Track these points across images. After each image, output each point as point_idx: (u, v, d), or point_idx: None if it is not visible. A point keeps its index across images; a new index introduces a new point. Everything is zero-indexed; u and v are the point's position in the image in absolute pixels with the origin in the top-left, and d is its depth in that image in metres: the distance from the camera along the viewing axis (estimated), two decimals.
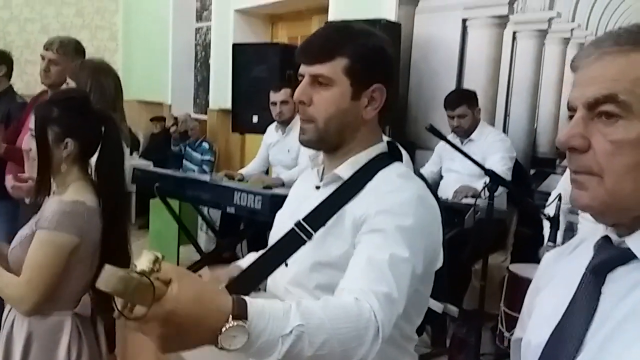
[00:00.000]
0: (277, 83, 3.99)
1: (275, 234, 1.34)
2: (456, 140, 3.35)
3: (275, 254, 1.24)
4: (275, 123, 3.94)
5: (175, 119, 6.68)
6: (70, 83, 2.32)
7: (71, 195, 1.65)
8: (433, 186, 1.53)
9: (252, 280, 1.25)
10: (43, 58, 2.79)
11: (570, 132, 0.77)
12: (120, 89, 2.49)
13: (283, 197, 3.26)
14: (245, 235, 3.83)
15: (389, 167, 1.24)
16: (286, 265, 1.24)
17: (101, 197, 1.70)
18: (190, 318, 0.78)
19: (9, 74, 3.28)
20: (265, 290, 1.32)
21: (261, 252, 1.49)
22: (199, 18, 7.30)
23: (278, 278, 1.26)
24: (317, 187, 1.30)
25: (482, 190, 2.41)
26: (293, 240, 1.20)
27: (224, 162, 6.48)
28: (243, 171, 3.93)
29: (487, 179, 2.41)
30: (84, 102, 1.75)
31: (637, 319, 0.72)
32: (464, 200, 2.95)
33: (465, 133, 3.41)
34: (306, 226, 1.19)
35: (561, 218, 2.63)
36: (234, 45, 4.97)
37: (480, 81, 3.82)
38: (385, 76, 1.24)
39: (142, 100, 7.25)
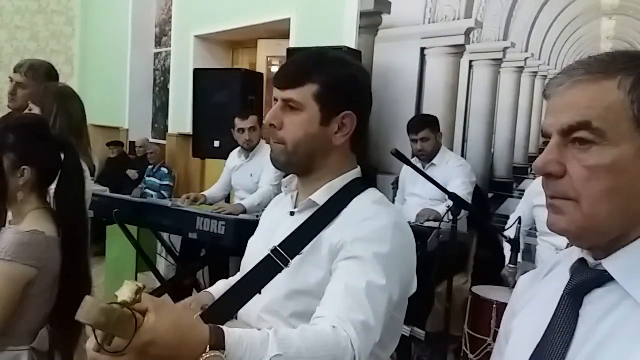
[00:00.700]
0: (244, 110, 4.00)
1: (249, 261, 1.33)
2: (419, 165, 3.41)
3: (251, 281, 1.22)
4: (238, 148, 3.94)
5: (133, 143, 6.58)
6: (34, 108, 2.25)
7: (29, 225, 1.59)
8: None
9: (228, 309, 1.23)
10: (11, 80, 2.71)
11: (546, 158, 0.79)
12: (85, 114, 2.44)
13: (247, 222, 3.29)
14: (207, 261, 3.77)
15: (364, 193, 1.25)
16: (259, 293, 1.22)
17: (61, 227, 1.63)
18: (169, 349, 0.77)
19: None
20: (236, 318, 1.31)
21: (232, 279, 1.48)
22: (158, 43, 7.27)
23: (251, 306, 1.24)
24: (292, 213, 1.30)
25: (445, 214, 2.46)
26: (269, 268, 1.19)
27: (184, 188, 6.39)
28: (206, 194, 3.89)
29: (451, 203, 2.46)
30: (41, 128, 1.70)
31: (616, 340, 0.73)
32: (427, 224, 3.00)
33: (428, 157, 3.48)
34: (282, 253, 1.18)
35: (520, 240, 2.71)
36: (195, 70, 4.96)
37: (438, 108, 3.92)
38: (356, 104, 1.25)
39: (98, 124, 7.12)
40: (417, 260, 1.25)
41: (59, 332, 1.60)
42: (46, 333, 1.62)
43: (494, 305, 2.43)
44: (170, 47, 6.84)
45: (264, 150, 3.84)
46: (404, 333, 1.39)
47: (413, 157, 3.52)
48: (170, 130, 6.70)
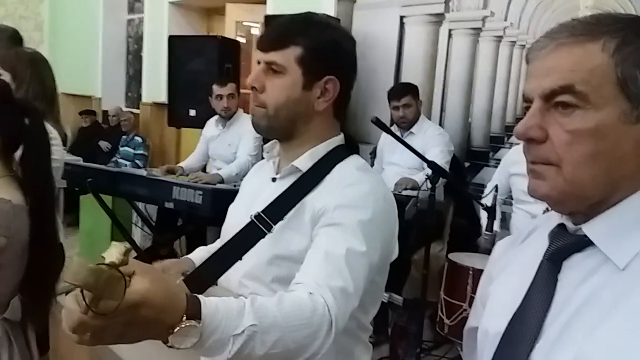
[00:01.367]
0: (222, 77, 3.93)
1: (230, 228, 1.31)
2: (397, 134, 3.42)
3: (233, 247, 1.21)
4: (215, 117, 3.88)
5: (106, 112, 6.46)
6: (3, 74, 2.17)
7: None
8: None
9: (210, 275, 1.22)
10: None
11: (527, 123, 0.77)
12: (55, 81, 2.36)
13: (225, 192, 3.26)
14: (184, 231, 3.75)
15: (347, 159, 1.24)
16: (240, 258, 1.21)
17: (28, 195, 1.57)
18: (155, 312, 0.76)
19: None
20: (216, 284, 1.30)
21: (212, 246, 1.46)
22: (131, 9, 7.08)
23: (231, 272, 1.23)
24: (274, 179, 1.29)
25: (424, 182, 2.46)
26: (252, 233, 1.18)
27: (158, 158, 6.32)
28: (183, 164, 3.84)
29: (429, 171, 2.46)
30: (3, 93, 1.62)
31: (595, 305, 0.73)
32: (405, 192, 3.01)
33: (408, 125, 3.49)
34: (265, 218, 1.17)
35: (497, 208, 2.74)
36: (170, 38, 4.84)
37: (417, 77, 3.91)
38: (339, 69, 1.23)
39: (70, 93, 6.95)
40: None
41: (30, 302, 1.56)
42: (18, 303, 1.59)
43: (470, 272, 2.46)
44: (143, 13, 6.67)
45: (242, 120, 3.80)
46: (382, 299, 1.39)
47: (392, 125, 3.52)
48: (144, 99, 6.58)
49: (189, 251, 3.98)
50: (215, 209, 3.11)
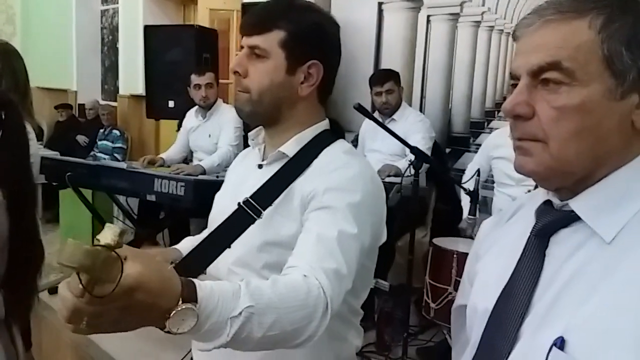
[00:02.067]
0: (200, 66, 3.89)
1: (217, 216, 1.30)
2: (379, 120, 3.42)
3: (222, 234, 1.20)
4: (195, 107, 3.84)
5: (82, 105, 6.36)
6: None
7: None
8: None
9: (199, 263, 1.21)
10: None
11: (515, 99, 0.78)
12: (27, 73, 2.32)
13: (207, 183, 3.24)
14: (167, 223, 3.72)
15: (334, 144, 1.24)
16: (229, 246, 1.20)
17: (6, 189, 1.53)
18: (151, 296, 0.74)
19: None
20: (205, 273, 1.29)
21: (199, 236, 1.45)
22: (105, 0, 6.95)
23: (220, 259, 1.22)
24: (260, 166, 1.28)
25: (407, 168, 2.47)
26: (240, 220, 1.17)
27: (137, 150, 6.25)
28: (163, 156, 3.80)
29: (412, 157, 2.47)
30: None
31: (582, 279, 0.74)
32: (388, 179, 3.02)
33: (391, 111, 3.49)
34: (254, 204, 1.16)
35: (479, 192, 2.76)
36: (146, 28, 4.77)
37: (397, 64, 3.91)
38: (323, 53, 1.22)
39: (44, 87, 6.82)
40: None
41: (12, 298, 1.54)
42: (0, 299, 1.56)
43: (455, 255, 2.49)
44: (117, 3, 6.56)
45: (222, 110, 3.77)
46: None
47: (373, 112, 3.53)
48: (122, 92, 6.49)
49: (173, 244, 3.95)
50: (197, 201, 3.09)
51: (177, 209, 3.37)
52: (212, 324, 0.82)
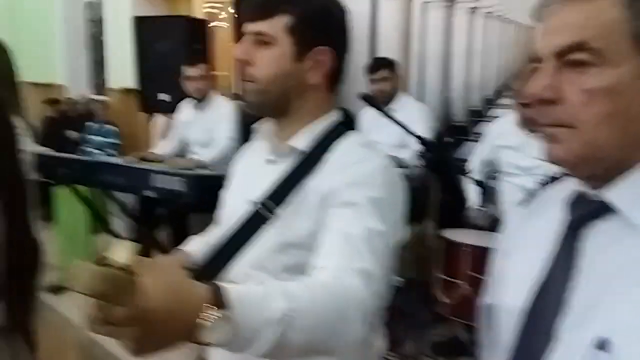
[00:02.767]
0: (192, 57, 3.81)
1: (229, 215, 1.26)
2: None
3: (239, 236, 1.15)
4: (189, 100, 3.77)
5: (71, 100, 6.25)
6: None
7: None
8: None
9: (218, 267, 1.16)
10: None
11: (540, 82, 0.74)
12: (15, 67, 2.24)
13: (209, 178, 3.18)
14: (167, 220, 3.66)
15: (347, 136, 1.18)
16: (246, 247, 1.15)
17: None
18: (169, 313, 0.69)
19: None
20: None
21: (209, 234, 1.41)
22: None
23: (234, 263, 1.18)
24: (269, 161, 1.22)
25: (417, 158, 2.44)
26: (256, 221, 1.13)
27: (129, 145, 6.16)
28: (158, 151, 3.74)
29: (415, 148, 2.44)
30: None
31: (624, 274, 0.71)
32: None
33: (387, 99, 3.45)
34: (269, 204, 1.12)
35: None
36: (136, 19, 4.67)
37: (393, 53, 3.88)
38: (332, 39, 1.16)
39: (31, 81, 6.69)
40: None
41: (13, 306, 1.49)
42: (2, 305, 1.51)
43: (469, 249, 2.45)
44: None
45: (218, 102, 3.70)
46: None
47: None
48: (111, 85, 6.39)
49: (174, 240, 3.90)
50: (199, 196, 3.04)
51: (178, 204, 3.32)
52: (249, 329, 0.76)
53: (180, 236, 3.65)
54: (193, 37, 4.44)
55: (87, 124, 6.08)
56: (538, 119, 0.77)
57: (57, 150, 4.41)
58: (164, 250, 3.74)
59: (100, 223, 3.71)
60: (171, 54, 4.41)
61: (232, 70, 6.13)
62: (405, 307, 2.81)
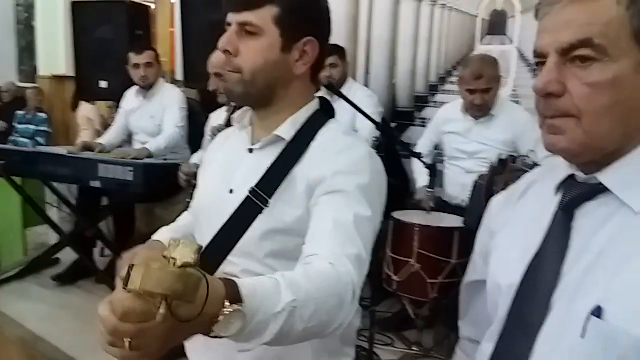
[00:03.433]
0: (139, 44, 3.70)
1: (209, 203, 1.26)
2: (327, 98, 3.40)
3: (234, 226, 1.15)
4: (135, 88, 3.65)
5: None
6: None
7: None
8: None
9: (216, 258, 1.15)
10: None
11: (546, 78, 0.79)
12: None
13: (156, 167, 3.11)
14: (112, 210, 3.56)
15: (328, 125, 1.20)
16: (242, 237, 1.15)
17: None
18: (200, 308, 0.70)
19: None
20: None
21: (177, 224, 1.39)
22: None
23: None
24: (251, 150, 1.23)
25: (372, 144, 2.49)
26: (248, 210, 1.13)
27: (61, 134, 5.93)
28: (102, 141, 3.61)
29: (367, 133, 2.48)
30: None
31: (615, 249, 0.77)
32: None
33: (336, 85, 3.47)
34: (261, 193, 1.12)
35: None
36: (73, 4, 4.47)
37: (340, 39, 3.89)
38: (317, 29, 1.18)
39: None
40: None
41: None
42: None
43: (416, 229, 2.53)
44: None
45: (164, 90, 3.62)
46: None
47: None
48: (42, 72, 6.10)
49: (118, 231, 3.78)
50: (148, 185, 2.99)
51: (125, 194, 3.23)
52: (257, 322, 0.79)
53: (125, 227, 3.57)
54: (135, 22, 4.30)
55: (17, 112, 5.80)
56: (543, 112, 0.82)
57: None
58: (108, 242, 3.65)
59: (39, 214, 3.57)
60: (112, 40, 4.27)
61: (169, 57, 6.00)
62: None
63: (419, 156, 2.55)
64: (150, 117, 3.58)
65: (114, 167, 3.01)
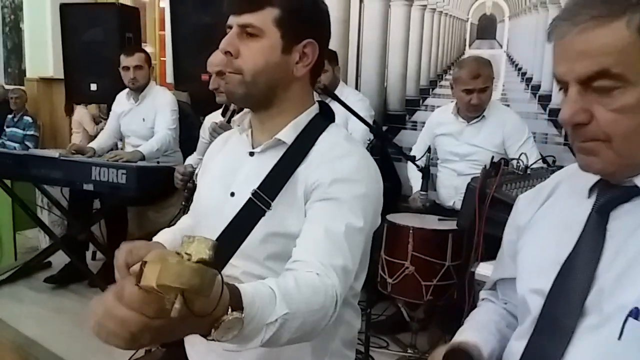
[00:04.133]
0: (129, 46, 3.69)
1: (209, 206, 1.27)
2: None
3: (236, 229, 1.16)
4: (126, 90, 3.64)
5: None
6: None
7: None
8: None
9: (220, 261, 1.17)
10: None
11: (571, 109, 0.80)
12: None
13: (149, 169, 3.11)
14: (104, 213, 3.54)
15: (329, 129, 1.21)
16: (245, 239, 1.16)
17: None
18: (209, 307, 0.72)
19: None
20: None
21: (179, 227, 1.39)
22: None
23: None
24: (251, 154, 1.24)
25: (366, 147, 2.50)
26: (252, 212, 1.14)
27: (49, 137, 5.89)
28: (94, 145, 3.60)
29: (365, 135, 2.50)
30: None
31: None
32: None
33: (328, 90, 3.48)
34: (263, 196, 1.13)
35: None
36: (62, 6, 4.44)
37: (331, 43, 3.90)
38: (318, 31, 1.19)
39: None
40: None
41: None
42: None
43: (411, 231, 2.56)
44: None
45: (156, 92, 3.61)
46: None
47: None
48: (29, 75, 6.05)
49: (111, 234, 3.76)
50: (140, 188, 2.98)
51: (117, 197, 3.23)
52: (251, 330, 0.82)
53: (117, 230, 3.56)
54: (125, 25, 4.29)
55: (7, 116, 5.74)
56: (573, 138, 0.84)
57: None
58: (100, 245, 3.63)
59: (31, 217, 3.54)
60: (102, 42, 4.26)
61: (158, 59, 5.99)
62: None
63: (412, 159, 2.57)
64: (142, 119, 3.57)
65: (107, 170, 3.00)
